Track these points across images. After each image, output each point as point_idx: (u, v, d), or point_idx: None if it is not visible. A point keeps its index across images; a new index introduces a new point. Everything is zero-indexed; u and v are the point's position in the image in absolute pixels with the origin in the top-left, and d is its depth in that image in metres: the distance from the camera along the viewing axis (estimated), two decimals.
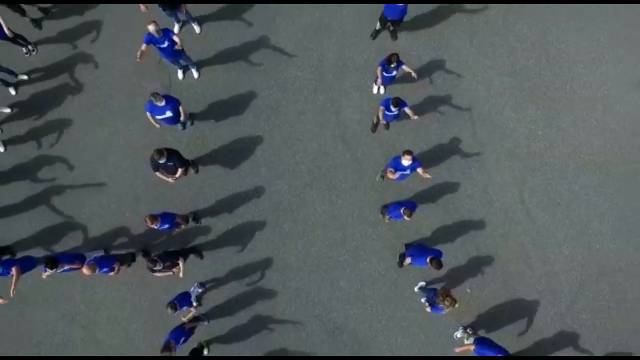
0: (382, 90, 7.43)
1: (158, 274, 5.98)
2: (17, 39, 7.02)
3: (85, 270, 5.63)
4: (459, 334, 7.02)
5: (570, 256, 7.24)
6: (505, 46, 7.63)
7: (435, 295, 6.01)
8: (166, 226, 6.13)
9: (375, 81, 7.22)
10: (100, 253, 6.83)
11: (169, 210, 6.56)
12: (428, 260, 5.70)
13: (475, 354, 5.92)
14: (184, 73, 7.48)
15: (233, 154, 7.39)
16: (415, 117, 6.25)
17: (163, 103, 5.99)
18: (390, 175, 6.01)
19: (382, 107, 6.21)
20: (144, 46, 6.03)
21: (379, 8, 6.75)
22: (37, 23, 7.46)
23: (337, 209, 7.34)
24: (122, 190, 7.30)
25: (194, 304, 6.29)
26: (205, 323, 7.03)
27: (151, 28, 5.83)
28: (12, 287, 5.75)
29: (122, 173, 7.32)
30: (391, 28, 7.06)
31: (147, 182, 7.18)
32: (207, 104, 7.46)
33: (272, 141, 7.42)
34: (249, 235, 7.27)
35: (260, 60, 7.55)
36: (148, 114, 6.20)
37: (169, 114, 6.18)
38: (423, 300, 6.99)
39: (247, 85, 7.51)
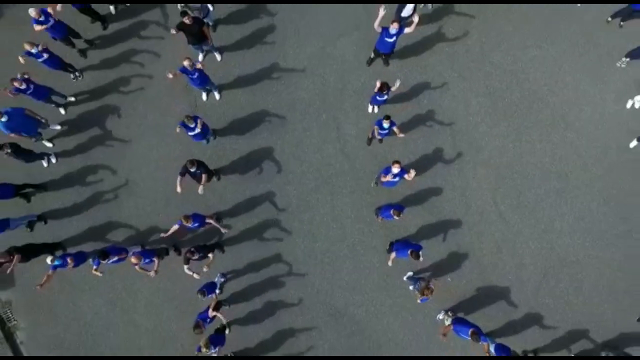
0: (376, 110, 8.60)
1: (187, 271, 7.01)
2: (67, 67, 8.27)
3: (133, 259, 6.80)
4: (440, 316, 8.20)
5: (536, 250, 8.38)
6: (481, 71, 8.67)
7: (419, 285, 7.16)
8: (197, 224, 7.29)
9: (371, 102, 8.42)
10: (139, 248, 8.03)
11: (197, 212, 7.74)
12: (409, 252, 6.78)
13: (453, 331, 7.05)
14: (207, 95, 8.68)
15: (249, 164, 8.57)
16: (402, 135, 7.40)
17: (193, 124, 7.20)
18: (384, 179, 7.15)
19: (376, 126, 7.41)
20: (178, 72, 7.18)
21: (374, 39, 7.79)
22: (83, 53, 8.68)
23: (338, 211, 8.52)
24: (156, 195, 8.51)
25: (217, 291, 7.47)
26: (227, 307, 8.23)
27: (186, 63, 7.10)
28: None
29: (156, 181, 8.52)
30: (383, 57, 8.30)
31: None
32: (227, 122, 8.64)
33: (282, 153, 8.61)
34: (263, 233, 8.45)
35: (272, 83, 8.73)
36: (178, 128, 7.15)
37: (197, 130, 7.34)
38: (411, 288, 8.08)
39: (261, 105, 8.68)
